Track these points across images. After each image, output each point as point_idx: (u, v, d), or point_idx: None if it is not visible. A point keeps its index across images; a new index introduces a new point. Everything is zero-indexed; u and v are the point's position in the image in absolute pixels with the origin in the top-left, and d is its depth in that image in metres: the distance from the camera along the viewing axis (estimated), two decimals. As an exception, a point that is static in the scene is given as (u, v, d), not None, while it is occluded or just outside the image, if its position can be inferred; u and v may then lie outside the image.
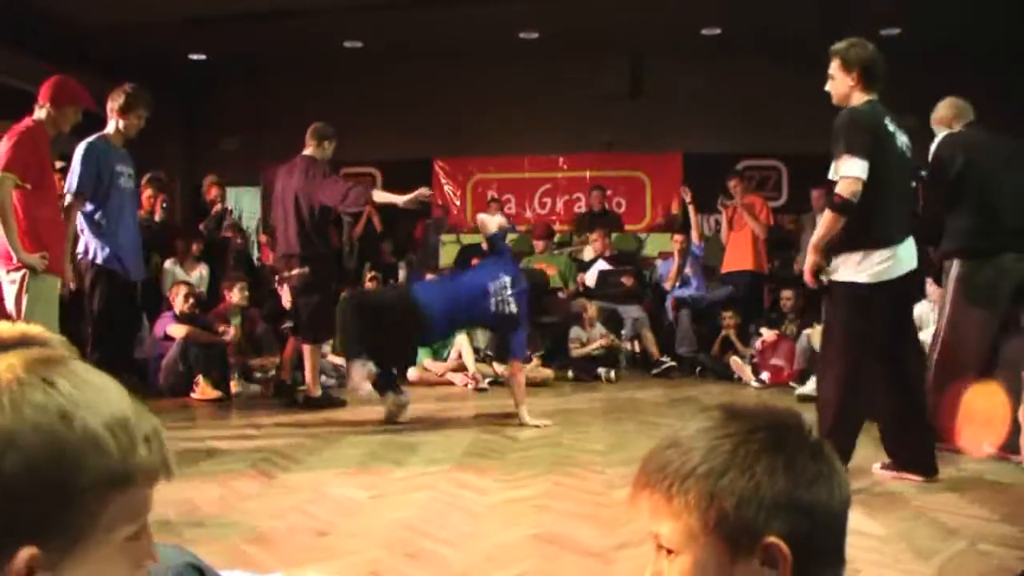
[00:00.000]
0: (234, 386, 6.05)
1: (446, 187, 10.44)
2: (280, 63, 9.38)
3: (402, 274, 8.56)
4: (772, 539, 0.82)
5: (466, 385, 6.60)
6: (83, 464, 0.71)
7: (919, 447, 3.52)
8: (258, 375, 6.41)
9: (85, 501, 0.71)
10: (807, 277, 3.56)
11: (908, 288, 3.55)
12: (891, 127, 3.43)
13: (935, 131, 4.37)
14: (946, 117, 4.34)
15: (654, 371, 7.32)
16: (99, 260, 4.55)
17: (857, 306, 3.41)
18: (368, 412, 5.49)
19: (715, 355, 7.27)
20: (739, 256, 7.83)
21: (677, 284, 7.95)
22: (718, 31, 8.64)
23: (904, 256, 3.43)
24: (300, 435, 4.64)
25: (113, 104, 4.64)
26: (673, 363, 7.37)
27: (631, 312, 7.68)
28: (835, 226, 3.37)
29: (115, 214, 4.61)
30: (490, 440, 4.48)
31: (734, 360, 6.96)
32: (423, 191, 5.25)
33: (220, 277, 6.88)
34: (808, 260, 3.51)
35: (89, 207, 4.58)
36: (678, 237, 8.02)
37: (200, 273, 6.99)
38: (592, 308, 7.40)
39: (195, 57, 9.42)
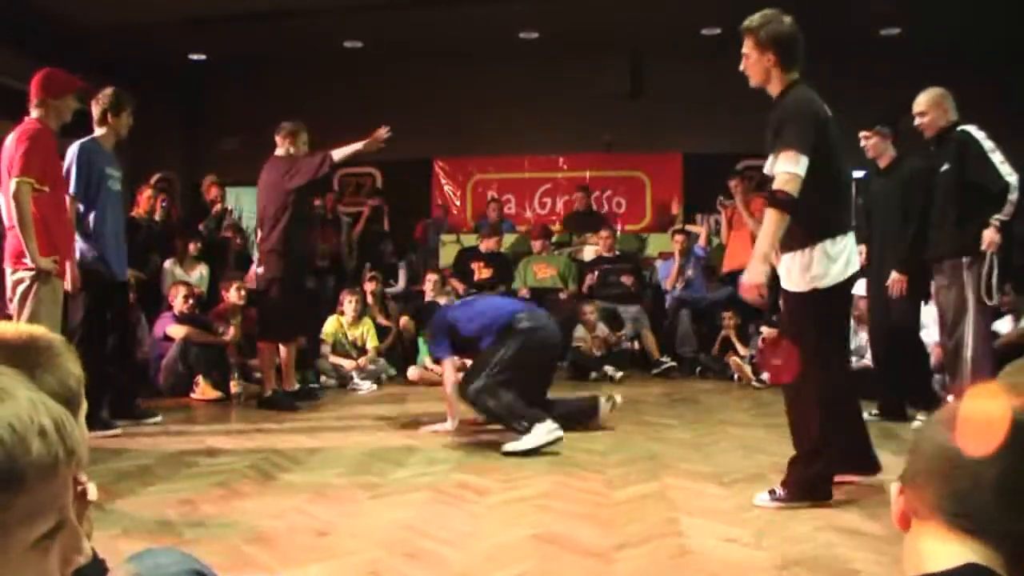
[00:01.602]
0: (234, 386, 6.05)
1: (446, 187, 10.43)
2: (280, 63, 9.37)
3: (402, 274, 8.56)
4: None
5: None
6: None
7: (859, 446, 3.38)
8: (258, 375, 6.40)
9: None
10: (755, 294, 3.04)
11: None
12: (828, 111, 3.17)
13: (928, 131, 4.41)
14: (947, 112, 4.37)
15: (654, 371, 7.32)
16: (86, 262, 4.54)
17: (825, 310, 3.11)
18: (368, 412, 5.50)
19: (715, 355, 7.27)
20: (739, 256, 7.82)
21: (679, 285, 7.95)
22: (718, 31, 8.62)
23: (854, 250, 3.19)
24: (300, 435, 4.65)
25: (101, 108, 4.64)
26: (673, 363, 7.37)
27: (631, 312, 7.68)
28: (781, 227, 2.98)
29: (103, 216, 4.61)
30: (490, 440, 4.47)
31: (734, 360, 6.96)
32: (381, 131, 5.19)
33: (220, 277, 6.87)
34: (755, 270, 3.00)
35: (79, 209, 4.58)
36: (678, 237, 8.02)
37: (200, 273, 6.98)
38: (594, 308, 7.42)
39: (195, 57, 9.41)
